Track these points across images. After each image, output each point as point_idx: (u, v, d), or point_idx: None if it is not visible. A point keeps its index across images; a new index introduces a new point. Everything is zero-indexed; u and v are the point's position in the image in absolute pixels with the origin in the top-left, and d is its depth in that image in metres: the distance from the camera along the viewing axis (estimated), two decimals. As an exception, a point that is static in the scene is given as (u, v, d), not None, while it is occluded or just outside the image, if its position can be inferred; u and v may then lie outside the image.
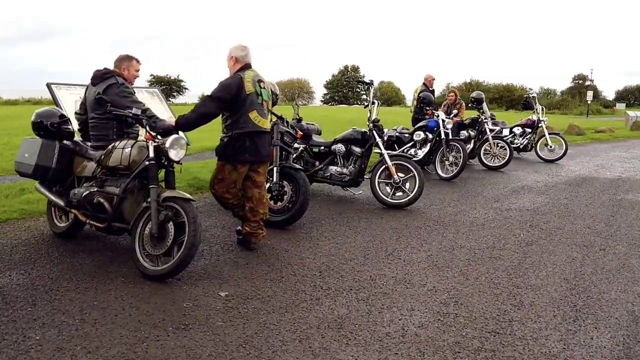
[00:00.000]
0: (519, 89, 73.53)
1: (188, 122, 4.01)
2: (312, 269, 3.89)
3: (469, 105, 10.06)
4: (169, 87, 72.93)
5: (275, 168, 4.99)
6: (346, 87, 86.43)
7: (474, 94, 9.92)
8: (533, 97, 11.50)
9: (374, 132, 6.22)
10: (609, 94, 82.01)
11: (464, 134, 9.94)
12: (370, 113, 6.32)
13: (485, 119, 9.67)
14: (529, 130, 11.44)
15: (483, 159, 9.58)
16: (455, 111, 9.41)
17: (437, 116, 8.36)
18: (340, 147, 6.43)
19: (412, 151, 8.63)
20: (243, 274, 3.73)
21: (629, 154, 13.29)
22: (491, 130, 11.96)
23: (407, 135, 8.85)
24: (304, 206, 4.85)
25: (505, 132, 11.66)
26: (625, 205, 6.60)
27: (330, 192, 6.94)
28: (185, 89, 76.63)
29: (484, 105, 9.86)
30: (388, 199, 6.09)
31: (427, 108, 8.50)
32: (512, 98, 70.45)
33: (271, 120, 5.29)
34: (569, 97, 68.54)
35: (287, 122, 5.43)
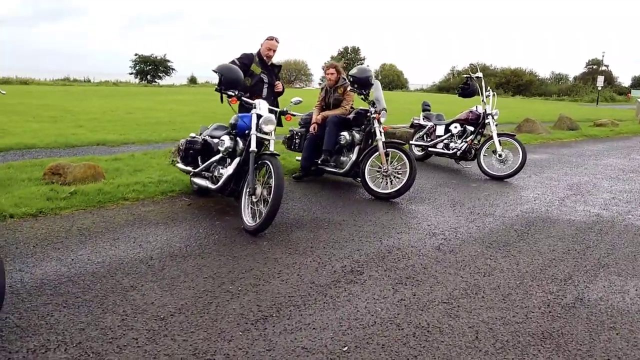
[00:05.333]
0: (527, 74, 68.94)
1: None
2: None
3: (350, 88, 6.09)
4: (155, 67, 69.24)
5: None
6: (346, 69, 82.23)
7: (354, 71, 5.95)
8: (477, 77, 7.48)
9: None
10: (625, 80, 76.72)
11: (344, 137, 6.01)
12: None
13: (376, 112, 5.71)
14: (471, 128, 7.47)
15: (368, 181, 5.66)
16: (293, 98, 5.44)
17: (254, 107, 4.50)
18: None
19: (217, 172, 4.76)
20: None
21: (630, 162, 9.24)
22: (418, 127, 8.06)
23: (217, 141, 4.98)
24: None
25: (440, 130, 7.76)
26: (575, 341, 2.70)
27: None
28: (173, 69, 72.71)
29: (376, 91, 5.91)
30: None
31: (229, 94, 4.56)
32: (519, 83, 66.02)
33: None
34: (581, 83, 63.84)
35: None
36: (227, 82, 4.48)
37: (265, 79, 5.35)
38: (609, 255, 4.06)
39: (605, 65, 68.37)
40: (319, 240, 4.09)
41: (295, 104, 4.87)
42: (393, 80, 77.54)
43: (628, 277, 3.59)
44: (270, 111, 4.61)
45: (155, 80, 63.38)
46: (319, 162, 6.09)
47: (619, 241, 4.44)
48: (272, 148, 4.40)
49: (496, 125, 7.25)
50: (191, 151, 5.08)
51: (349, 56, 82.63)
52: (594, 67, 70.46)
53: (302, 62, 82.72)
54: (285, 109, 4.87)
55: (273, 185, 3.99)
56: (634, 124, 17.65)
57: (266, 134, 4.40)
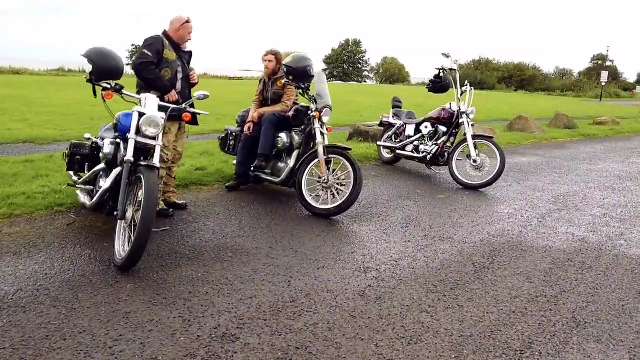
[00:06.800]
0: (530, 68, 67.60)
1: None
2: None
3: (285, 81, 5.05)
4: (152, 59, 68.16)
5: None
6: (347, 62, 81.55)
7: (288, 59, 4.92)
8: (451, 70, 6.45)
9: None
10: (631, 76, 75.16)
11: (281, 139, 5.01)
12: None
13: (317, 109, 4.71)
14: (444, 128, 6.45)
15: (305, 194, 4.66)
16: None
17: (140, 101, 3.52)
18: None
19: (99, 184, 3.78)
20: None
21: (628, 167, 8.21)
22: (387, 125, 7.09)
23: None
24: None
25: (410, 129, 6.76)
26: None
27: None
28: (169, 61, 71.33)
29: (319, 84, 4.91)
30: None
31: (104, 86, 3.55)
32: (522, 78, 64.77)
33: None
34: (585, 79, 62.57)
35: None
36: (100, 71, 3.47)
37: (180, 68, 4.31)
38: (588, 305, 3.06)
39: (611, 61, 67.03)
40: (207, 280, 3.10)
41: (198, 99, 3.87)
42: (394, 73, 76.53)
43: (610, 346, 2.59)
44: (162, 108, 3.61)
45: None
46: (252, 168, 5.11)
47: (605, 281, 3.44)
48: (156, 157, 3.41)
49: (472, 125, 6.24)
50: (77, 157, 4.10)
51: (350, 49, 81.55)
52: (599, 62, 69.14)
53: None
54: (184, 106, 3.86)
55: (141, 208, 3.00)
56: (637, 122, 16.58)
57: (150, 138, 3.40)
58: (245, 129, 5.21)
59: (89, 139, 4.33)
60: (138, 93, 4.11)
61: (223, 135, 5.63)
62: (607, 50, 55.90)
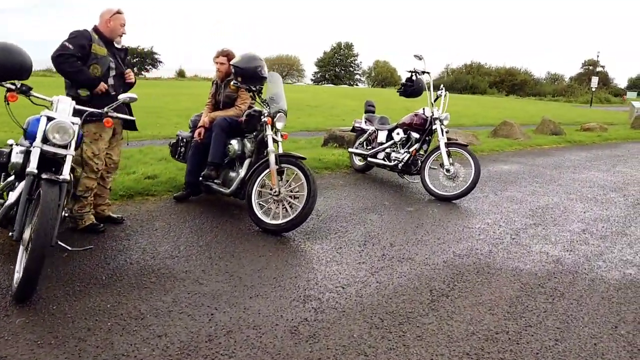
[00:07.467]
0: (522, 73, 67.69)
1: None
2: None
3: (234, 83, 4.58)
4: (142, 59, 67.79)
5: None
6: (338, 65, 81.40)
7: (237, 59, 4.47)
8: (423, 73, 6.05)
9: None
10: (622, 82, 75.53)
11: (232, 146, 4.57)
12: None
13: (270, 114, 4.28)
14: (417, 135, 6.05)
15: (255, 208, 4.22)
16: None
17: (52, 103, 3.08)
18: None
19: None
20: None
21: (613, 176, 7.84)
22: (360, 131, 6.70)
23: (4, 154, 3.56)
24: None
25: (382, 136, 6.35)
26: None
27: None
28: (160, 62, 71.01)
29: (273, 86, 4.48)
30: None
31: (8, 87, 3.10)
32: (514, 82, 64.79)
33: None
34: (576, 84, 62.71)
35: None
36: (2, 69, 3.02)
37: (112, 64, 3.86)
38: (556, 343, 2.65)
39: (602, 66, 67.27)
40: (114, 314, 2.66)
41: (124, 102, 3.43)
42: (386, 77, 76.53)
43: (576, 400, 2.18)
44: (78, 112, 3.17)
45: (142, 72, 61.65)
46: (201, 177, 4.68)
47: (577, 312, 3.04)
48: (66, 169, 2.96)
49: (446, 132, 5.84)
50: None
51: (342, 52, 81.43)
52: (590, 67, 69.32)
53: (294, 57, 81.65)
54: (105, 110, 3.41)
55: (34, 229, 2.56)
56: (625, 128, 16.30)
57: (60, 146, 2.96)
58: (196, 134, 4.78)
59: (11, 145, 3.86)
60: (67, 94, 3.70)
61: (174, 140, 5.20)
62: (598, 56, 55.93)
